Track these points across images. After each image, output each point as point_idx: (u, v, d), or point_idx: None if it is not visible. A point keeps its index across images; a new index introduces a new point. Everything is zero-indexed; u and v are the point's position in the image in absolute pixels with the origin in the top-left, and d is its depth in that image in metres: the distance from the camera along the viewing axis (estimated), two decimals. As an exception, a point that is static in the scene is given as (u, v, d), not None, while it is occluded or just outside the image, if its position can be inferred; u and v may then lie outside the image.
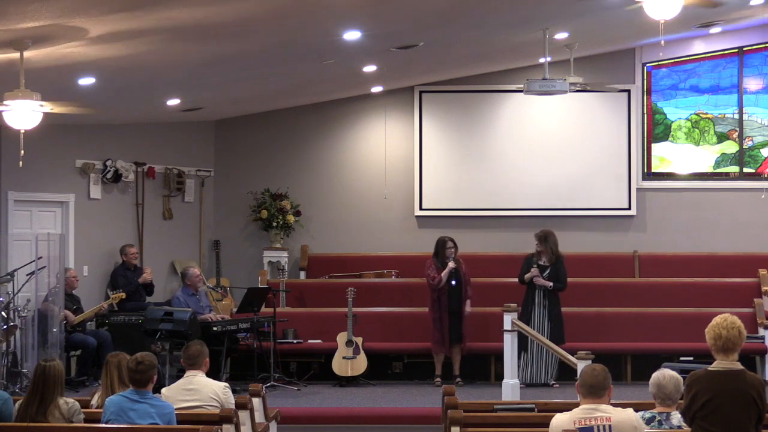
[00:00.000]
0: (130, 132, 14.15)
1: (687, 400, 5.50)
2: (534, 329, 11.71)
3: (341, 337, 12.45)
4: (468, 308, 12.32)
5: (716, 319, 5.60)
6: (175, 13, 7.85)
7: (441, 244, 12.44)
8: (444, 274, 12.18)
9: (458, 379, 12.17)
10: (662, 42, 11.51)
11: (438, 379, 12.31)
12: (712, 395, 5.43)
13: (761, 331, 12.81)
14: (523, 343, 11.69)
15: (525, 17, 11.08)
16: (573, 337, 12.20)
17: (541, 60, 12.46)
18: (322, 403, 11.25)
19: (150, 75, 10.75)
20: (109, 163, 13.76)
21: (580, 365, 9.64)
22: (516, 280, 12.42)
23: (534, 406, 7.40)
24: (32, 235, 12.12)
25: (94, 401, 7.19)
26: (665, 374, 6.07)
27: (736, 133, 15.28)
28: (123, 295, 12.67)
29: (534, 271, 12.13)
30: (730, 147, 15.31)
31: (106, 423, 6.53)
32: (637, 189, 15.10)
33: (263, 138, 15.39)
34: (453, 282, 12.24)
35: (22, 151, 8.90)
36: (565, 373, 11.62)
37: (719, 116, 15.31)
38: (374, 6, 9.14)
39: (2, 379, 10.96)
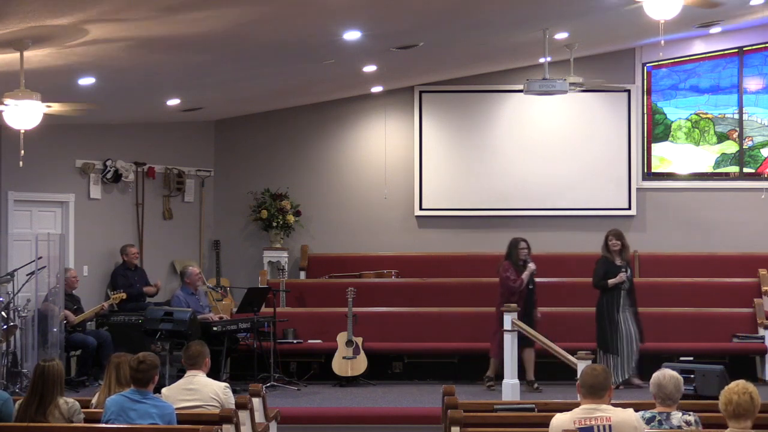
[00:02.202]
0: (130, 132, 14.15)
1: None
2: (623, 332, 11.73)
3: (341, 337, 12.45)
4: (538, 313, 12.01)
5: (730, 384, 5.35)
6: (174, 12, 7.85)
7: (514, 245, 12.01)
8: (525, 275, 11.76)
9: (536, 384, 11.74)
10: (662, 42, 11.51)
11: (491, 382, 11.88)
12: None
13: (761, 331, 12.81)
14: (611, 346, 11.74)
15: (525, 17, 11.08)
16: (573, 337, 12.20)
17: (541, 60, 12.47)
18: (322, 403, 11.25)
19: (150, 75, 10.75)
20: (109, 163, 13.76)
21: (580, 365, 9.65)
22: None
23: (534, 406, 7.40)
24: (32, 235, 12.12)
25: (94, 401, 7.20)
26: (665, 374, 6.07)
27: (736, 133, 15.28)
28: (123, 295, 12.67)
29: (622, 275, 11.86)
30: (730, 147, 15.31)
31: (106, 423, 6.53)
32: (637, 189, 15.11)
33: (263, 138, 15.39)
34: (530, 286, 11.86)
35: (22, 151, 8.89)
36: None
37: (719, 116, 15.32)
38: (374, 6, 9.14)
39: (2, 379, 10.96)
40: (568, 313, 13.03)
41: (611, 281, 11.89)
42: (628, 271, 12.04)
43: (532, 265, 11.86)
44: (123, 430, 6.45)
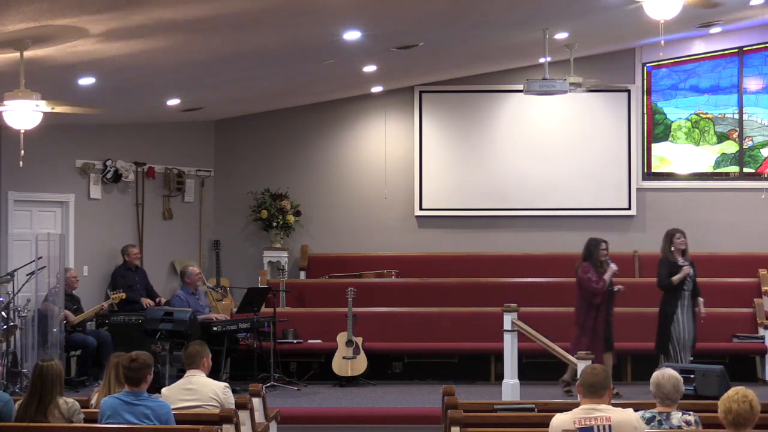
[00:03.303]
0: (130, 132, 14.15)
1: None
2: (682, 333, 11.44)
3: (341, 337, 12.45)
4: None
5: (729, 392, 5.27)
6: (174, 12, 7.85)
7: (594, 246, 11.57)
8: (607, 276, 11.38)
9: (615, 391, 11.47)
10: (662, 42, 11.51)
11: (568, 387, 11.25)
12: None
13: (761, 331, 12.82)
14: (665, 348, 11.35)
15: (525, 17, 11.08)
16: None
17: (541, 60, 12.47)
18: (322, 403, 11.25)
19: (150, 75, 10.75)
20: (109, 163, 13.76)
21: (580, 365, 9.65)
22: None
23: (534, 406, 7.40)
24: (32, 235, 12.11)
25: (93, 401, 7.19)
26: (664, 374, 6.07)
27: (736, 133, 15.29)
28: (123, 295, 12.67)
29: (687, 269, 11.34)
30: (730, 147, 15.31)
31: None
32: (637, 189, 15.12)
33: (263, 138, 15.39)
34: (614, 288, 11.51)
35: (22, 151, 8.89)
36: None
37: (719, 116, 15.32)
38: (374, 6, 9.14)
39: (2, 379, 10.95)
40: (569, 313, 13.00)
41: (676, 277, 11.37)
42: (693, 270, 11.56)
43: (613, 266, 11.48)
44: (123, 430, 6.45)
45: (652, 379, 6.10)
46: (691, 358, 11.49)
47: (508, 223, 15.12)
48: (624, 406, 5.89)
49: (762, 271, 13.95)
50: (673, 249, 11.45)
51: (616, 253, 14.74)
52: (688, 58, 15.19)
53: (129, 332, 12.29)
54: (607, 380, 5.73)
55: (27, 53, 8.13)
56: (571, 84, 12.25)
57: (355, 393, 11.87)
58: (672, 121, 15.36)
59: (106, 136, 13.80)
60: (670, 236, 11.54)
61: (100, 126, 13.58)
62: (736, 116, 15.28)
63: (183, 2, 7.62)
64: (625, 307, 13.33)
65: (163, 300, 13.39)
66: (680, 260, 11.46)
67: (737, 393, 5.23)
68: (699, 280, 13.81)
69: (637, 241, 15.01)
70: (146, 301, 13.09)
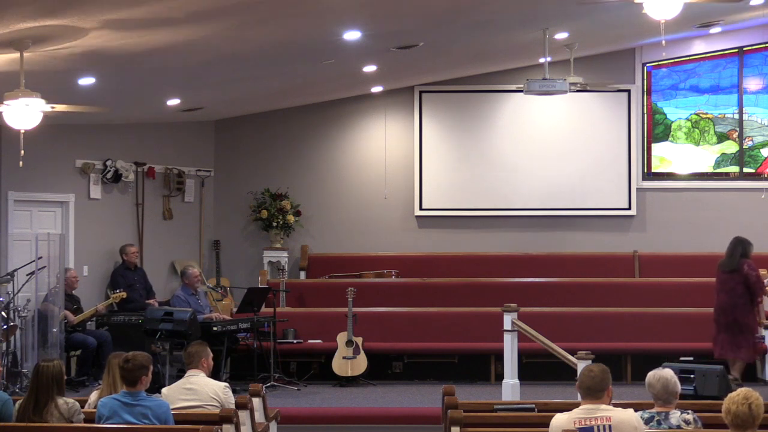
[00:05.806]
0: (130, 132, 14.15)
1: None
2: None
3: (341, 337, 12.45)
4: None
5: (733, 393, 5.25)
6: (174, 12, 7.86)
7: (749, 245, 11.48)
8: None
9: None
10: (663, 42, 11.51)
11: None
12: None
13: (761, 331, 12.80)
14: None
15: (525, 17, 11.08)
16: (573, 337, 12.19)
17: (541, 60, 12.48)
18: (322, 403, 11.25)
19: (150, 75, 10.76)
20: (109, 163, 13.76)
21: (580, 365, 9.65)
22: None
23: (534, 406, 7.40)
24: (32, 235, 12.11)
25: (91, 399, 7.19)
26: (656, 374, 6.09)
27: (736, 133, 15.29)
28: (123, 294, 12.66)
29: None
30: (730, 147, 15.31)
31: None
32: (637, 189, 15.12)
33: (263, 138, 15.39)
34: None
35: (22, 151, 8.90)
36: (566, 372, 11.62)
37: (719, 116, 15.32)
38: (374, 6, 9.14)
39: (2, 379, 10.95)
40: (568, 313, 13.03)
41: None
42: None
43: None
44: (123, 430, 6.45)
45: (646, 380, 6.13)
46: None
47: (508, 223, 15.12)
48: (624, 406, 5.89)
49: (762, 271, 13.93)
50: None
51: (616, 253, 14.84)
52: (688, 58, 15.20)
53: (129, 332, 12.27)
54: (604, 381, 5.72)
55: (27, 53, 8.14)
56: (571, 84, 12.26)
57: (355, 393, 11.87)
58: (672, 121, 15.36)
59: (106, 136, 13.80)
60: None
61: (100, 126, 13.58)
62: (736, 116, 15.28)
63: (185, 3, 7.62)
64: (625, 307, 13.36)
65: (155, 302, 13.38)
66: None
67: (739, 394, 5.22)
68: (699, 280, 13.91)
69: (637, 241, 15.02)
70: (153, 303, 13.12)
